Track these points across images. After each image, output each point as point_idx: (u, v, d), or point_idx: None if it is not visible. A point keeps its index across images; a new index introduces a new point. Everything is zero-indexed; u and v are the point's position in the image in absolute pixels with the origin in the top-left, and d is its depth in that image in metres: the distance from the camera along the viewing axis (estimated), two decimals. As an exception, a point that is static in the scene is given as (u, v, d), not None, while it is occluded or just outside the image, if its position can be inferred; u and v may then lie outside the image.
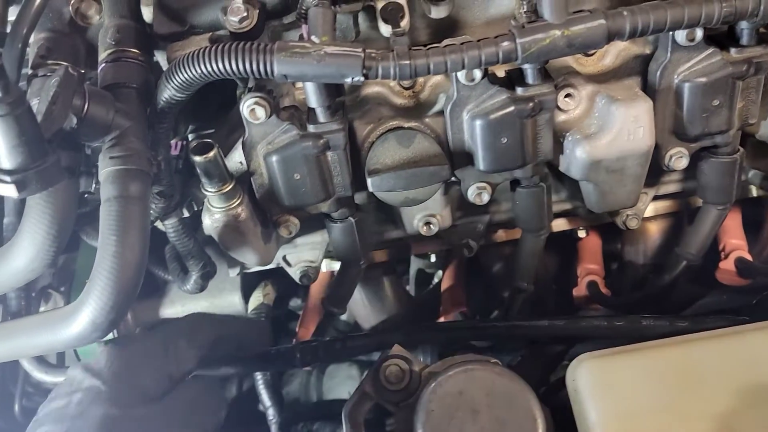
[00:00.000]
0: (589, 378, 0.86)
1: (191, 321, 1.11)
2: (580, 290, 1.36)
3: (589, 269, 1.39)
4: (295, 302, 1.71)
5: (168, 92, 0.93)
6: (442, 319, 1.39)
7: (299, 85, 1.06)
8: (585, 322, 0.99)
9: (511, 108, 0.95)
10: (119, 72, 0.98)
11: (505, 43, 0.86)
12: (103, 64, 0.99)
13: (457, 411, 0.89)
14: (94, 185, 1.06)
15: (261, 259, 1.11)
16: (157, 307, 1.46)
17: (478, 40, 0.87)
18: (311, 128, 0.97)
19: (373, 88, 1.06)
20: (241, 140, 1.05)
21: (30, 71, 1.00)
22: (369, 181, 1.00)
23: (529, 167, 1.02)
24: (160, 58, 1.07)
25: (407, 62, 0.86)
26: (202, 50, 0.88)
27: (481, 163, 1.01)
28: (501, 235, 1.35)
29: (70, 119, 0.88)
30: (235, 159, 1.07)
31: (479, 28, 1.07)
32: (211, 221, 1.03)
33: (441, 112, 1.04)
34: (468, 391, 0.89)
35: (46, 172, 0.85)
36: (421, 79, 1.07)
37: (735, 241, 1.35)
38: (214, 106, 1.28)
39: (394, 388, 1.00)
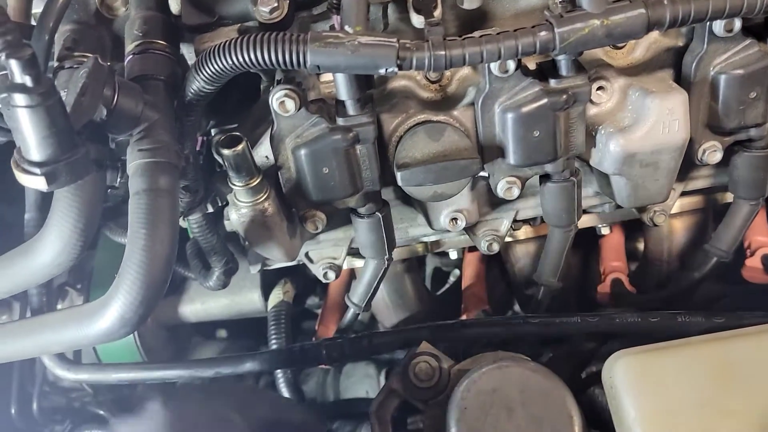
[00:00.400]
0: (628, 374, 0.84)
1: (244, 394, 1.09)
2: (604, 287, 1.35)
3: (614, 266, 1.37)
4: (312, 300, 1.70)
5: (197, 84, 0.92)
6: (464, 317, 1.38)
7: (325, 78, 1.05)
8: (619, 318, 0.98)
9: (545, 100, 0.94)
10: (146, 64, 0.96)
11: (543, 33, 0.84)
12: (130, 56, 0.98)
13: (492, 408, 0.87)
14: (118, 179, 1.05)
15: (287, 254, 1.10)
16: (176, 305, 1.45)
17: (515, 30, 0.86)
18: (340, 121, 0.96)
19: (399, 82, 1.04)
20: (267, 134, 1.04)
21: (56, 63, 0.99)
22: (398, 175, 0.98)
23: (561, 161, 1.01)
24: (186, 50, 1.06)
25: (442, 53, 0.85)
26: (233, 41, 0.87)
27: (512, 156, 0.99)
28: (524, 231, 1.34)
29: (99, 111, 0.86)
30: (261, 153, 1.06)
31: (509, 21, 1.05)
32: (238, 216, 1.01)
33: (469, 105, 1.02)
34: (502, 388, 0.88)
35: (76, 164, 0.84)
36: (448, 73, 1.06)
37: (761, 238, 1.34)
38: (234, 101, 1.27)
39: (423, 385, 0.99)
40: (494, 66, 0.93)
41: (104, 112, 0.87)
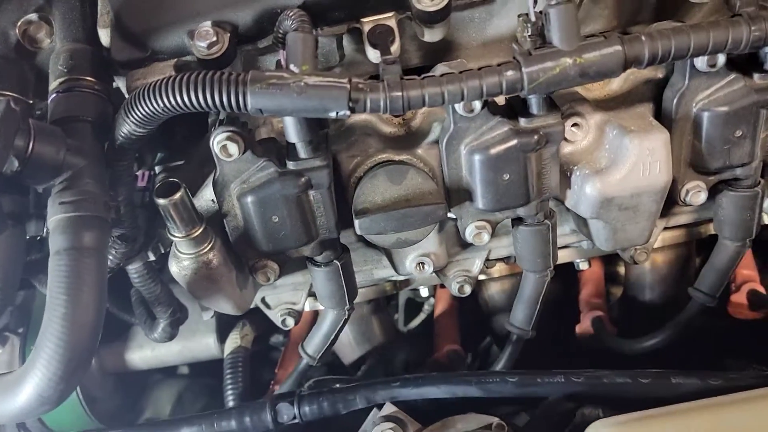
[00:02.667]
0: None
1: None
2: (584, 327, 1.27)
3: (593, 303, 1.30)
4: (276, 338, 1.60)
5: (127, 127, 0.82)
6: (435, 356, 1.29)
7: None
8: (607, 379, 0.89)
9: (514, 141, 0.85)
10: (72, 103, 0.86)
11: (510, 73, 0.76)
12: (54, 94, 0.88)
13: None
14: (45, 229, 0.94)
15: (236, 306, 1.00)
16: (123, 352, 1.34)
17: (479, 69, 0.77)
18: (291, 165, 0.86)
19: (360, 116, 0.95)
20: (210, 177, 0.94)
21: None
22: (357, 223, 0.89)
23: (533, 204, 0.92)
24: (121, 84, 0.96)
25: (399, 94, 0.76)
26: (164, 80, 0.77)
27: (480, 200, 0.91)
28: (499, 268, 1.25)
29: (11, 162, 0.76)
30: (207, 196, 0.96)
31: (475, 50, 0.97)
32: (179, 269, 0.91)
33: (435, 143, 0.93)
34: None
35: (-17, 223, 0.74)
36: (412, 106, 0.97)
37: (746, 272, 1.27)
38: (183, 133, 1.17)
39: (387, 457, 0.90)
40: (458, 105, 0.84)
41: (16, 163, 0.76)
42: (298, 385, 1.11)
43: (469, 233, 0.95)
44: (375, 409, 0.98)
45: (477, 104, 0.84)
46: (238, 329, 1.32)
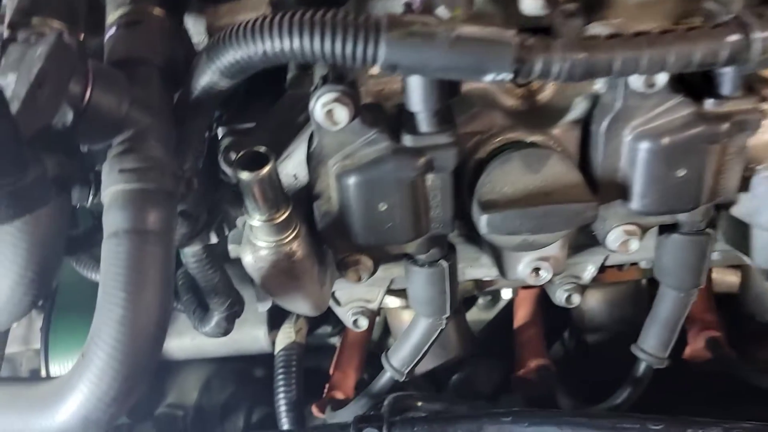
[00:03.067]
0: None
1: None
2: (695, 349, 1.09)
3: (705, 321, 1.12)
4: (323, 329, 1.43)
5: (209, 76, 0.64)
6: (520, 373, 1.11)
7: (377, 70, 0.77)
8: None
9: (699, 128, 0.67)
10: (137, 42, 0.68)
11: (734, 38, 0.57)
12: (113, 29, 0.69)
13: None
14: (90, 198, 0.76)
15: (315, 307, 0.82)
16: (160, 338, 1.17)
17: (688, 29, 0.58)
18: (409, 141, 0.68)
19: (477, 83, 0.77)
20: (295, 144, 0.76)
21: (5, 31, 0.69)
22: (483, 219, 0.71)
23: (701, 209, 0.74)
24: (192, 25, 0.77)
25: (581, 56, 0.57)
26: (267, 19, 0.58)
27: (638, 200, 0.72)
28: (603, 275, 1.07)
29: (64, 113, 0.58)
30: (288, 171, 0.78)
31: (631, 10, 0.78)
32: (255, 259, 0.73)
33: (574, 124, 0.75)
34: None
35: (24, 191, 0.56)
36: (541, 75, 0.78)
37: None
38: (246, 88, 0.98)
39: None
40: (635, 78, 0.65)
41: (70, 114, 0.58)
42: (375, 403, 0.93)
43: (614, 239, 0.77)
44: (474, 441, 0.81)
45: (662, 78, 0.65)
46: (291, 321, 1.15)
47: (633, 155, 0.70)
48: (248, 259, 0.74)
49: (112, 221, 0.61)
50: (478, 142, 0.76)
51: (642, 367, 0.91)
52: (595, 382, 1.03)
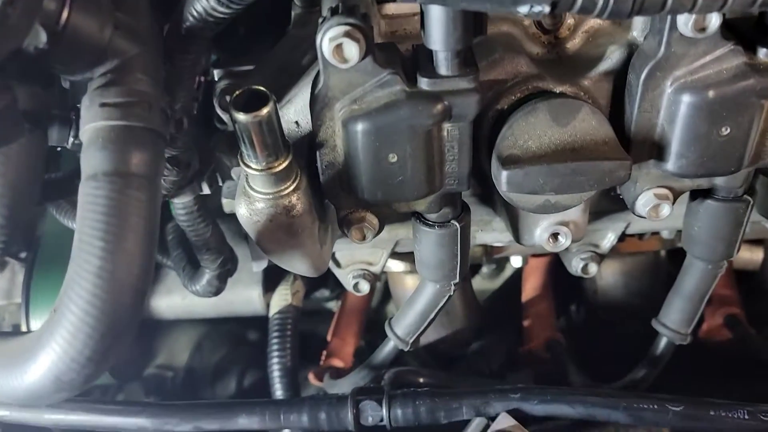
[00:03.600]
0: None
1: None
2: (712, 326, 1.04)
3: (724, 297, 1.06)
4: (321, 293, 1.37)
5: (205, 2, 0.56)
6: (529, 347, 1.06)
7: (392, 7, 0.70)
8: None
9: (750, 81, 0.60)
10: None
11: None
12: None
13: None
14: (71, 139, 0.68)
15: (314, 267, 0.76)
16: (149, 296, 1.11)
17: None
18: (426, 84, 0.61)
19: (500, 27, 0.69)
20: (297, 89, 0.69)
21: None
22: (503, 175, 0.64)
23: (742, 174, 0.68)
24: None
25: (631, -13, 0.49)
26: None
27: (674, 161, 0.65)
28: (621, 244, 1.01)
29: (36, 34, 0.50)
30: (289, 117, 0.71)
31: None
32: (250, 212, 0.67)
33: (606, 75, 0.68)
34: None
35: (-11, 122, 0.49)
36: (570, 20, 0.71)
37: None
38: (247, 29, 0.91)
39: (511, 490, 0.67)
40: (684, 20, 0.58)
41: (44, 36, 0.51)
42: (376, 375, 0.88)
43: (644, 204, 0.70)
44: (480, 418, 0.75)
45: (714, 21, 0.58)
46: (288, 283, 1.09)
47: (673, 109, 0.63)
48: (243, 212, 0.67)
49: (91, 162, 0.54)
50: (501, 91, 0.69)
51: (663, 343, 0.85)
52: (607, 360, 0.98)
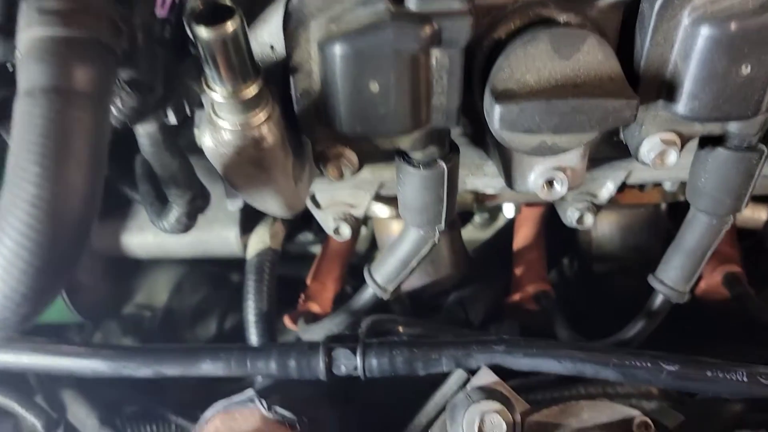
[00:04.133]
0: None
1: None
2: (710, 284, 0.99)
3: (724, 254, 1.01)
4: (305, 237, 1.31)
5: None
6: (516, 298, 1.01)
7: None
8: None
9: (778, 13, 0.53)
10: None
11: None
12: None
13: None
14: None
15: (287, 206, 0.70)
16: (119, 233, 1.05)
17: None
18: (413, 3, 0.54)
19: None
20: (271, 8, 0.62)
21: None
22: (496, 111, 0.57)
23: (759, 120, 0.61)
24: None
25: None
26: None
27: (686, 102, 0.59)
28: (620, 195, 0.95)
29: None
30: (263, 39, 0.64)
31: None
32: (215, 143, 0.61)
33: (615, 5, 0.61)
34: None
35: None
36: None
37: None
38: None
39: (487, 448, 0.64)
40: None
41: None
42: (353, 323, 0.83)
43: (649, 150, 0.64)
44: (461, 371, 0.71)
45: (744, -61, 0.51)
46: (267, 225, 1.03)
47: (689, 43, 0.56)
48: (208, 143, 0.61)
49: (28, 76, 0.48)
50: (498, 18, 0.62)
51: (659, 300, 0.80)
52: (598, 316, 0.93)
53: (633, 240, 1.00)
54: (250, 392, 0.72)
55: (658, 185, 0.90)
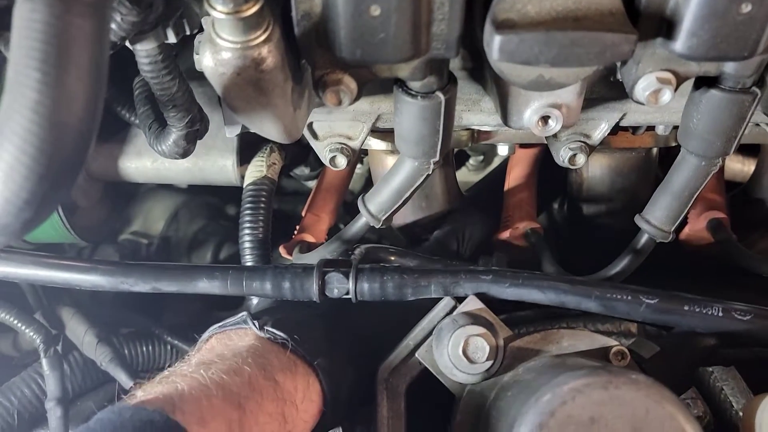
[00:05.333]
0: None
1: None
2: (695, 230, 1.01)
3: (710, 200, 1.03)
4: (301, 171, 1.32)
5: None
6: (506, 234, 1.03)
7: None
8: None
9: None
10: None
11: None
12: None
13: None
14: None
15: (286, 132, 0.71)
16: (117, 156, 1.06)
17: None
18: (418, -75, 0.54)
19: None
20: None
21: None
22: (496, 41, 0.58)
23: (755, 61, 0.62)
24: None
25: None
26: None
27: (684, 40, 0.59)
28: (612, 138, 0.96)
29: None
30: (265, -41, 0.63)
31: None
32: (215, 62, 0.61)
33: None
34: (604, 419, 0.56)
35: None
36: None
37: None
38: None
39: (469, 371, 0.66)
40: None
41: None
42: (346, 249, 0.85)
43: (644, 88, 0.65)
44: (448, 299, 0.74)
45: None
46: (264, 154, 1.04)
47: (691, -20, 0.56)
48: (208, 62, 0.61)
49: (26, -17, 0.47)
50: (502, -53, 0.61)
51: (643, 239, 0.82)
52: (586, 255, 0.95)
53: (622, 183, 1.01)
54: (244, 314, 0.75)
55: (650, 129, 0.91)
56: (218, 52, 0.60)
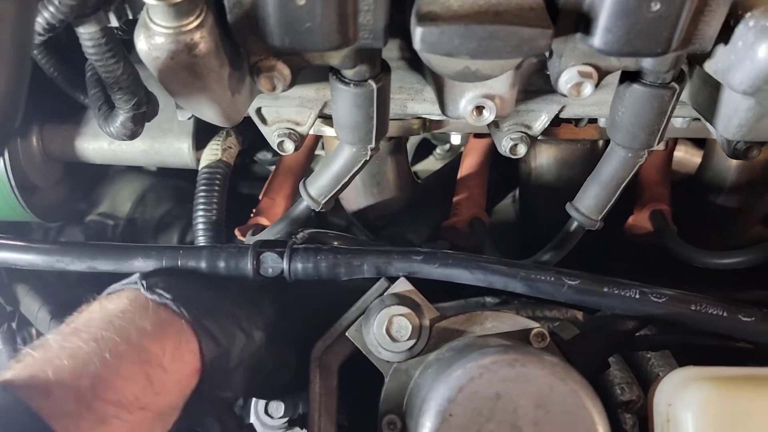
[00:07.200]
0: (711, 412, 0.56)
1: None
2: (638, 221, 1.04)
3: (655, 193, 1.06)
4: (264, 155, 1.35)
5: None
6: (453, 221, 1.06)
7: None
8: (700, 306, 0.67)
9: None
10: None
11: None
12: None
13: (488, 423, 0.58)
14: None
15: (224, 116, 0.73)
16: (74, 138, 1.08)
17: None
18: None
19: None
20: None
21: None
22: (418, 32, 0.60)
23: (670, 57, 0.65)
24: None
25: None
26: None
27: (600, 36, 0.62)
28: (557, 130, 0.99)
29: None
30: (200, -53, 0.65)
31: None
32: (149, 47, 0.63)
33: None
34: (509, 395, 0.59)
35: None
36: None
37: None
38: None
39: (394, 348, 0.69)
40: None
41: None
42: (288, 232, 0.87)
43: (566, 81, 0.67)
44: (382, 280, 0.76)
45: None
46: (220, 139, 1.06)
47: (604, -23, 0.59)
48: (142, 45, 0.63)
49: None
50: (429, -60, 0.63)
51: (573, 226, 0.85)
52: (530, 243, 0.98)
53: (568, 173, 1.04)
54: (137, 275, 0.73)
55: (594, 122, 0.93)
56: (152, 37, 0.62)
